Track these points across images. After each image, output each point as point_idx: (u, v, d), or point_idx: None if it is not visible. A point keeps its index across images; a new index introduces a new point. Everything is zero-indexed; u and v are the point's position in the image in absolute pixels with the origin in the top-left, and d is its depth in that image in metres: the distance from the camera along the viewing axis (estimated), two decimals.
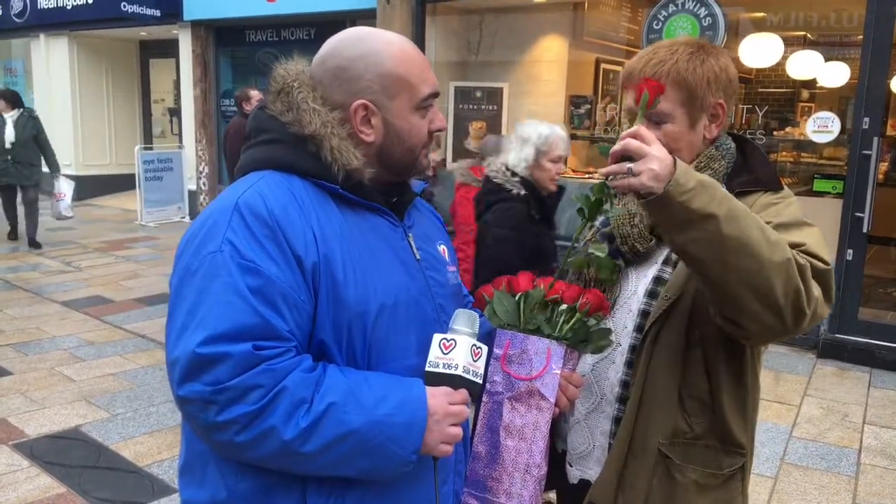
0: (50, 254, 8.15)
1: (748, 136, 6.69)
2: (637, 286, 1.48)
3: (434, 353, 1.19)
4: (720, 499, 1.45)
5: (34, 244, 8.38)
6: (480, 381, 1.20)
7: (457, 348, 1.18)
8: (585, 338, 1.35)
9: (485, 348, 1.22)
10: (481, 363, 1.20)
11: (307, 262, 1.14)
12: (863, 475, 3.58)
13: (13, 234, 8.78)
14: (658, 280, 1.45)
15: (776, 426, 4.08)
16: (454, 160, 7.65)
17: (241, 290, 1.09)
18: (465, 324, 1.21)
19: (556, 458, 1.63)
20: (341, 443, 1.11)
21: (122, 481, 3.35)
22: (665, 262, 1.46)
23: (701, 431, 1.42)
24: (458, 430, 1.19)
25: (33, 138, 8.22)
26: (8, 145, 8.12)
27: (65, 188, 8.40)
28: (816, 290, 1.26)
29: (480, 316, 1.36)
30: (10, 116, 8.20)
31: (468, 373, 1.18)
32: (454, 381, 1.18)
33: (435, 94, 1.30)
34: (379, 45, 1.26)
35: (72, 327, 5.64)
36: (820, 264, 1.28)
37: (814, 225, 1.38)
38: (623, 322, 1.48)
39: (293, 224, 1.14)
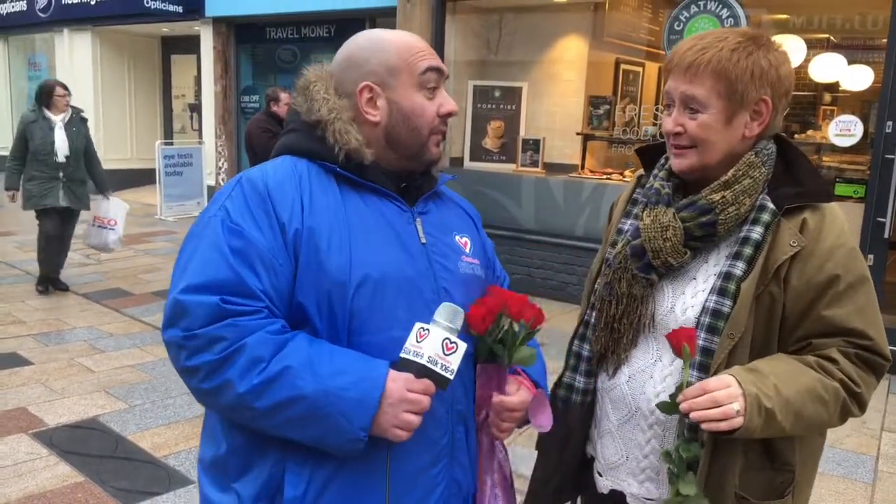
0: (71, 247, 8.18)
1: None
2: (673, 303, 1.41)
3: (410, 339, 1.21)
4: None
5: (62, 284, 6.43)
6: (449, 376, 1.21)
7: (428, 339, 1.20)
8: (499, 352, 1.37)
9: (462, 345, 1.22)
10: (454, 358, 1.21)
11: (290, 229, 1.23)
12: (880, 482, 3.54)
13: (48, 283, 6.34)
14: (713, 313, 1.35)
15: None
16: (471, 159, 7.65)
17: (222, 249, 1.21)
18: (444, 317, 1.22)
19: (584, 465, 1.58)
20: (292, 406, 1.17)
21: (139, 471, 3.39)
22: (712, 290, 1.36)
23: (754, 457, 1.38)
24: (413, 418, 1.20)
25: (85, 148, 6.27)
26: (62, 158, 6.02)
27: (116, 212, 6.29)
28: (868, 392, 1.35)
29: None
30: (60, 119, 6.06)
31: (435, 364, 1.19)
32: (418, 370, 1.19)
33: (435, 69, 1.35)
34: (384, 35, 1.38)
35: (91, 319, 5.71)
36: (881, 361, 1.36)
37: (870, 278, 1.37)
38: (664, 339, 1.40)
39: (284, 195, 1.26)
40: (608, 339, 1.47)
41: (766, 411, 1.24)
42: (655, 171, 1.51)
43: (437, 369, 1.19)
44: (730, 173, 1.37)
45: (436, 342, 1.19)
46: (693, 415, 1.23)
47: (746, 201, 1.36)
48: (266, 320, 1.20)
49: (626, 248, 1.45)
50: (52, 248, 6.24)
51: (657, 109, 7.27)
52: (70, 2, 11.82)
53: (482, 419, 1.40)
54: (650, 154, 1.57)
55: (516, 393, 1.39)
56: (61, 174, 6.05)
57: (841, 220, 1.37)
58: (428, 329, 1.20)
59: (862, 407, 1.36)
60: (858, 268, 1.35)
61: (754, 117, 1.37)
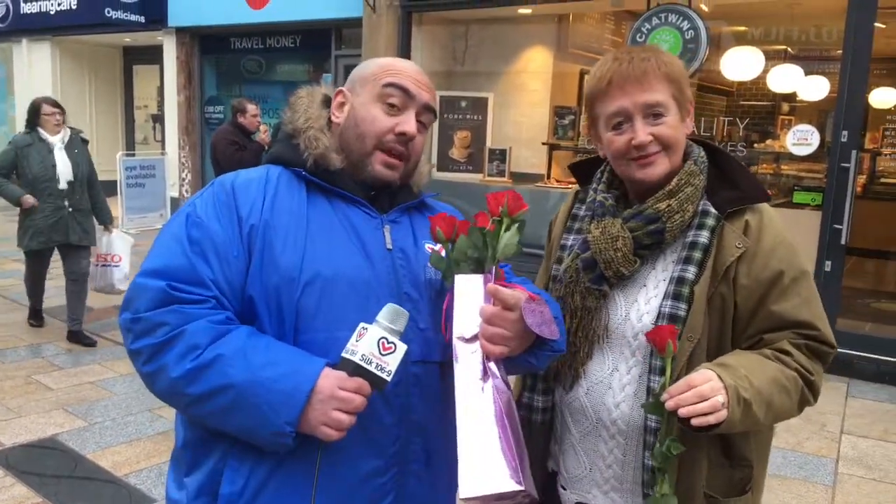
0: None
1: (728, 148, 6.67)
2: (627, 311, 1.43)
3: (351, 339, 1.20)
4: None
5: (87, 339, 5.42)
6: (385, 377, 1.18)
7: (365, 338, 1.18)
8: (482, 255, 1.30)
9: (401, 346, 1.20)
10: (391, 358, 1.18)
11: (246, 223, 1.28)
12: (840, 484, 3.61)
13: (39, 318, 5.79)
14: (670, 317, 1.36)
15: None
16: (439, 170, 7.66)
17: (181, 238, 1.26)
18: (384, 317, 1.20)
19: (546, 479, 1.58)
20: (221, 394, 1.17)
21: (99, 491, 3.31)
22: (666, 296, 1.39)
23: (714, 456, 1.40)
24: (343, 417, 1.17)
25: (89, 173, 5.48)
26: (63, 184, 5.26)
27: (120, 247, 5.54)
28: (819, 380, 1.39)
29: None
30: (59, 140, 5.33)
31: (369, 363, 1.17)
32: (353, 368, 1.18)
33: (398, 87, 1.37)
34: (384, 58, 1.46)
35: (50, 335, 5.57)
36: (827, 350, 1.40)
37: (809, 271, 1.42)
38: (619, 349, 1.43)
39: (248, 194, 1.31)
40: (564, 354, 1.46)
41: (744, 402, 1.26)
42: (594, 185, 1.54)
43: (372, 368, 1.17)
44: (673, 182, 1.41)
45: (372, 341, 1.17)
46: (682, 410, 1.23)
47: (689, 208, 1.41)
48: (211, 310, 1.22)
49: (577, 262, 1.46)
50: (42, 280, 5.67)
51: None
52: (29, 11, 11.61)
53: (462, 339, 1.27)
54: (584, 169, 1.60)
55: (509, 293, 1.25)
56: (66, 203, 5.25)
57: (777, 218, 1.44)
58: (366, 329, 1.19)
59: (815, 395, 1.40)
60: (799, 263, 1.41)
61: (685, 116, 1.45)
